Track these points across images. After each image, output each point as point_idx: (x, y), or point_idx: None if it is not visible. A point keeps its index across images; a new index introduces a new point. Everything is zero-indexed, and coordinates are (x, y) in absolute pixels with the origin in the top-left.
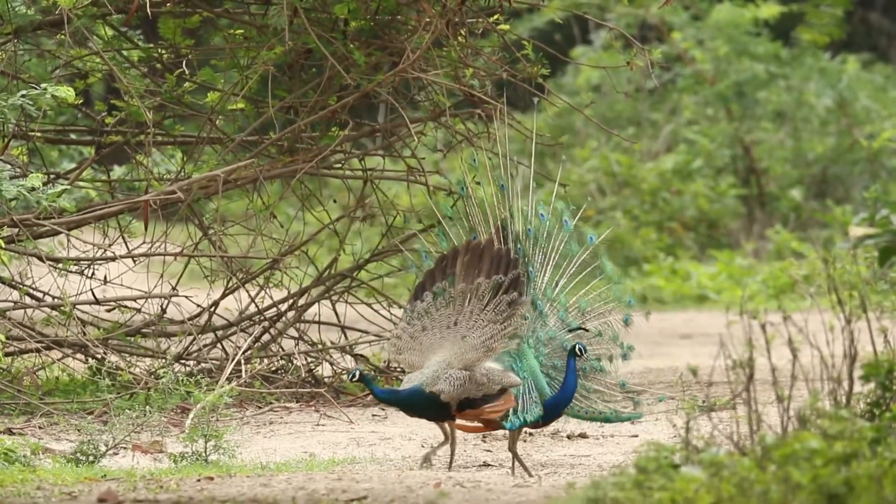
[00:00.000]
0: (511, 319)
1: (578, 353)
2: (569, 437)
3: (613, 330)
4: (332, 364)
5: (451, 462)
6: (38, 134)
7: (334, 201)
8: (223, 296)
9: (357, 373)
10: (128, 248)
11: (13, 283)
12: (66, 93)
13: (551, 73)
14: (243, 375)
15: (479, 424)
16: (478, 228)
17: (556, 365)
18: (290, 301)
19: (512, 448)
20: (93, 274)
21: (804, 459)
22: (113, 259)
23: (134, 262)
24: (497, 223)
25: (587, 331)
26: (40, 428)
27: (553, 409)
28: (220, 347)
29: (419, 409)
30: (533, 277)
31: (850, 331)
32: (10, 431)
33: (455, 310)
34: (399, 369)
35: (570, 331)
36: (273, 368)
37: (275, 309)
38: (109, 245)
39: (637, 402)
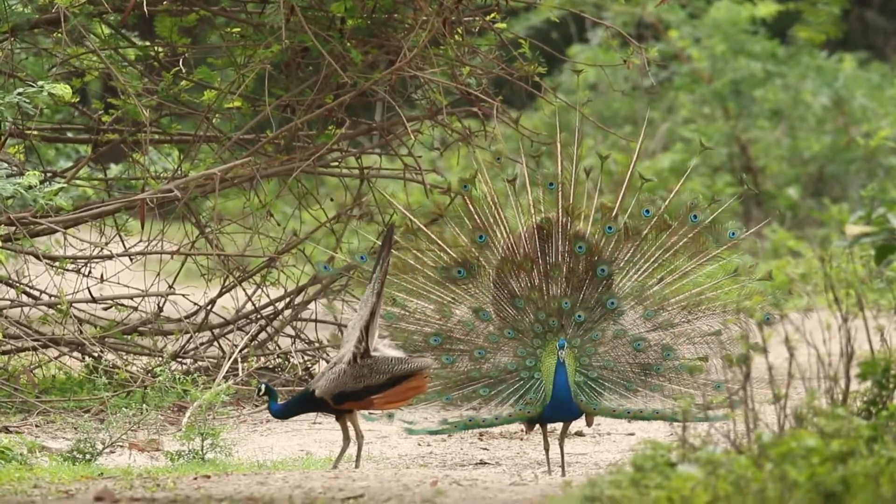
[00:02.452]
0: (374, 314)
1: (562, 350)
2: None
3: (741, 330)
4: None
5: (357, 460)
6: (35, 132)
7: (331, 199)
8: (220, 294)
9: (263, 386)
10: (124, 246)
11: (10, 281)
12: (63, 91)
13: (548, 72)
14: (240, 373)
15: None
16: (490, 230)
17: (609, 365)
18: (287, 299)
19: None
20: (89, 272)
21: (801, 458)
22: (110, 257)
23: (131, 260)
24: (533, 222)
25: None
26: (37, 426)
27: (551, 417)
28: (217, 345)
29: (307, 408)
30: (602, 276)
31: (846, 329)
32: (6, 430)
33: (377, 295)
34: None
35: (557, 330)
36: (270, 366)
37: (271, 307)
38: (106, 243)
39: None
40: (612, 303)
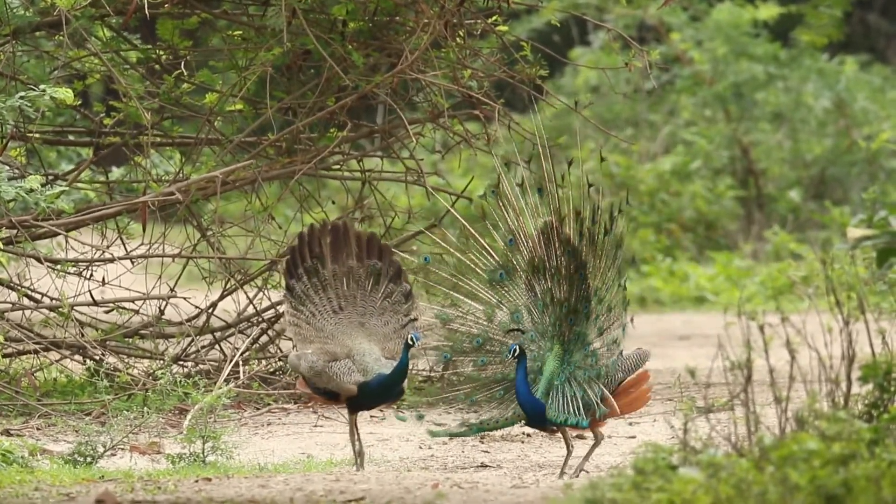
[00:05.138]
0: (413, 312)
1: (512, 355)
2: None
3: (620, 335)
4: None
5: (360, 463)
6: (37, 135)
7: (332, 202)
8: (221, 297)
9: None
10: (126, 249)
11: (11, 284)
12: (65, 94)
13: (550, 74)
14: (241, 377)
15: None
16: (516, 232)
17: (571, 372)
18: None
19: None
20: (91, 275)
21: (802, 460)
22: (111, 260)
23: (132, 263)
24: (538, 226)
25: (522, 332)
26: (38, 429)
27: (529, 422)
28: (219, 349)
29: (392, 395)
30: (581, 280)
31: (848, 332)
32: (7, 432)
33: (335, 293)
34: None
35: (506, 332)
36: (271, 370)
37: (273, 310)
38: (108, 246)
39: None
40: (586, 307)
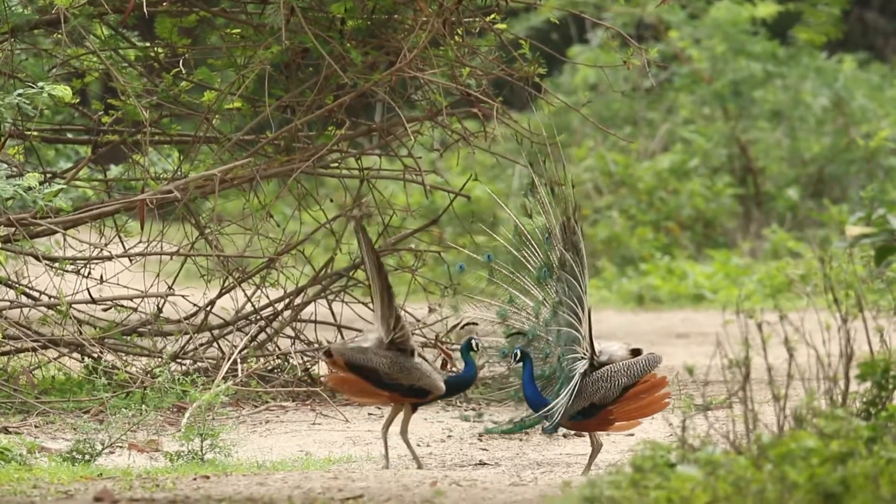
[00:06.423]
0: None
1: (514, 359)
2: (564, 435)
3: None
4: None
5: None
6: (35, 133)
7: (331, 200)
8: (219, 295)
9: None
10: (124, 247)
11: (10, 282)
12: (63, 92)
13: (548, 73)
14: (239, 374)
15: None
16: (553, 231)
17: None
18: (287, 300)
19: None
20: (89, 273)
21: (800, 458)
22: (109, 258)
23: (130, 261)
24: (557, 224)
25: (523, 335)
26: (36, 427)
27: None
28: (217, 346)
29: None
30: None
31: (846, 330)
32: (6, 430)
33: None
34: None
35: (507, 336)
36: (269, 367)
37: (271, 308)
38: (106, 244)
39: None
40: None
